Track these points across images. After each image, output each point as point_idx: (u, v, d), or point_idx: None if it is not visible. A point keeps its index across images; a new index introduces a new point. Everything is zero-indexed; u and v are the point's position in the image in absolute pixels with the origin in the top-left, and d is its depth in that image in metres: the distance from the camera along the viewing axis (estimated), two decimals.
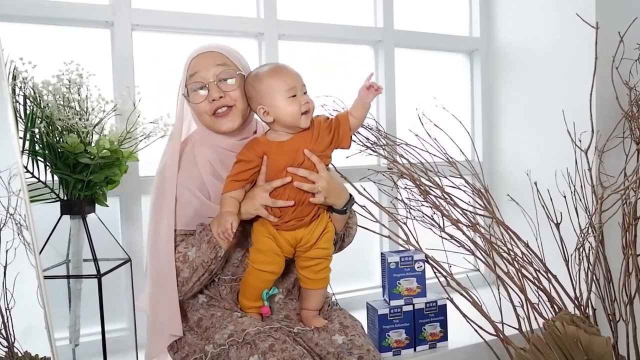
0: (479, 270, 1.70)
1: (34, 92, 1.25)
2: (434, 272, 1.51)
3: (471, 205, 1.62)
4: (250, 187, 1.23)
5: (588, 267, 1.50)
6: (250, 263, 1.24)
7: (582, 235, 1.50)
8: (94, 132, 1.30)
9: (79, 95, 1.30)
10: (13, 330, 1.07)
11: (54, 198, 1.32)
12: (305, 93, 1.19)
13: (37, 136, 1.25)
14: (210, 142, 1.27)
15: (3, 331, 1.06)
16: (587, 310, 1.48)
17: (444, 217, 1.53)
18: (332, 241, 1.28)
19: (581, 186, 1.61)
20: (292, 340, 1.16)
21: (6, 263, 1.07)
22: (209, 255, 1.19)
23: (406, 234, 1.56)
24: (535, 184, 1.61)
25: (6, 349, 1.07)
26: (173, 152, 1.25)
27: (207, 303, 1.27)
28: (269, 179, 1.20)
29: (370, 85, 1.20)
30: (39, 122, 1.23)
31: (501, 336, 1.45)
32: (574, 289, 1.51)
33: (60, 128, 1.26)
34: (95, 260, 1.31)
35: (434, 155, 1.63)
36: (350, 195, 1.29)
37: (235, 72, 1.24)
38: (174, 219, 1.21)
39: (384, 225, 1.68)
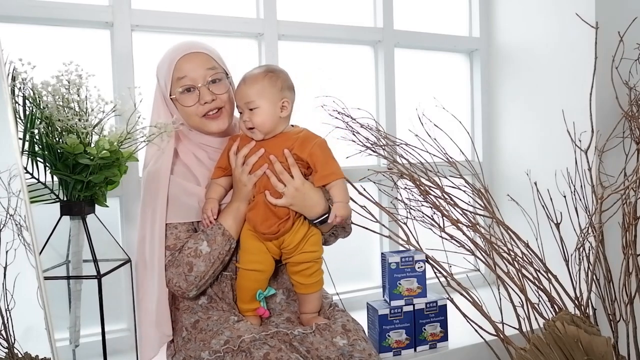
0: (479, 270, 1.70)
1: (34, 93, 1.24)
2: (434, 272, 1.51)
3: (471, 205, 1.62)
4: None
5: (588, 267, 1.50)
6: (238, 265, 1.25)
7: (582, 235, 1.50)
8: (93, 132, 1.30)
9: (79, 96, 1.29)
10: (13, 331, 1.07)
11: (54, 199, 1.32)
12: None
13: (37, 137, 1.24)
14: (196, 141, 1.31)
15: (3, 332, 1.06)
16: (587, 310, 1.48)
17: (444, 217, 1.53)
18: (319, 244, 1.27)
19: (581, 186, 1.61)
20: (287, 348, 1.15)
21: (6, 264, 1.07)
22: (224, 247, 1.21)
23: (406, 234, 1.55)
24: (535, 184, 1.61)
25: (6, 350, 1.06)
26: (167, 150, 1.27)
27: (206, 304, 1.27)
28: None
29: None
30: (38, 122, 1.22)
31: (501, 336, 1.45)
32: (574, 289, 1.51)
33: (59, 129, 1.25)
34: (95, 261, 1.30)
35: (434, 155, 1.63)
36: (328, 211, 1.22)
37: (224, 75, 1.28)
38: (165, 217, 1.23)
39: (384, 225, 1.68)
